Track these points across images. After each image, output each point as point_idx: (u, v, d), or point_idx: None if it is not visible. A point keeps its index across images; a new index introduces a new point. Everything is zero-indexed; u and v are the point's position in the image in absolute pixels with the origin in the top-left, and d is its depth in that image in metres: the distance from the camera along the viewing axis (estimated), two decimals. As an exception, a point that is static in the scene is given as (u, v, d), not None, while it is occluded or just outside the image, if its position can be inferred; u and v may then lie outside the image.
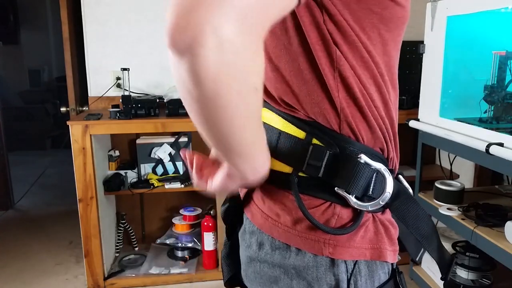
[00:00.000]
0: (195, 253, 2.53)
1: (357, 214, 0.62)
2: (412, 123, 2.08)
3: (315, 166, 0.62)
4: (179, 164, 2.45)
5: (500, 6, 1.62)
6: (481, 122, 1.79)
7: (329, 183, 0.62)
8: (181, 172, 2.45)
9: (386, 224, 0.65)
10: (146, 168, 2.44)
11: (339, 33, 0.58)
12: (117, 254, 2.55)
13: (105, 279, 2.30)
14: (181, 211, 2.51)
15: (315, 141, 0.62)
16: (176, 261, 2.48)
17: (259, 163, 0.58)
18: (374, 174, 0.62)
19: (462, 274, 1.96)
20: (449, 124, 1.85)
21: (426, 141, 2.05)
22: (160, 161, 2.43)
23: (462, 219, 1.77)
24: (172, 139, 2.44)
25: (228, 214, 0.77)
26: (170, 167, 2.44)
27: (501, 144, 1.50)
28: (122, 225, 2.54)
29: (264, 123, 0.67)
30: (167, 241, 2.50)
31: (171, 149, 2.43)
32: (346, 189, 0.61)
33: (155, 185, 2.34)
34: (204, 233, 2.37)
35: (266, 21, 0.47)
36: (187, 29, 0.43)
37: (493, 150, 1.51)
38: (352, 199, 0.61)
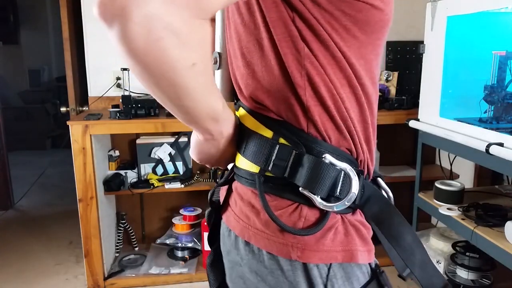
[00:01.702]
0: (195, 253, 2.53)
1: (323, 215, 0.60)
2: (412, 123, 2.08)
3: (281, 166, 0.61)
4: (179, 164, 2.45)
5: (500, 6, 1.62)
6: (481, 122, 1.79)
7: (294, 184, 0.60)
8: (181, 172, 2.45)
9: (356, 224, 0.63)
10: (146, 168, 2.44)
11: (309, 30, 0.57)
12: (117, 254, 2.55)
13: (105, 279, 2.29)
14: (181, 211, 2.51)
15: (282, 140, 0.62)
16: (176, 261, 2.48)
17: (215, 128, 0.60)
18: (341, 174, 0.60)
19: (462, 274, 1.96)
20: (449, 124, 1.84)
21: (426, 141, 2.05)
22: (160, 161, 2.43)
23: (462, 219, 1.77)
24: (172, 139, 2.44)
25: (211, 219, 0.76)
26: (170, 167, 2.44)
27: (501, 144, 1.50)
28: (122, 225, 2.54)
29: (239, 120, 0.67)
30: (167, 241, 2.50)
31: (171, 149, 2.43)
32: (310, 189, 0.59)
33: (155, 185, 2.34)
34: (204, 233, 2.37)
35: (204, 3, 0.47)
36: (114, 2, 0.43)
37: (493, 150, 1.51)
38: (317, 199, 0.59)
